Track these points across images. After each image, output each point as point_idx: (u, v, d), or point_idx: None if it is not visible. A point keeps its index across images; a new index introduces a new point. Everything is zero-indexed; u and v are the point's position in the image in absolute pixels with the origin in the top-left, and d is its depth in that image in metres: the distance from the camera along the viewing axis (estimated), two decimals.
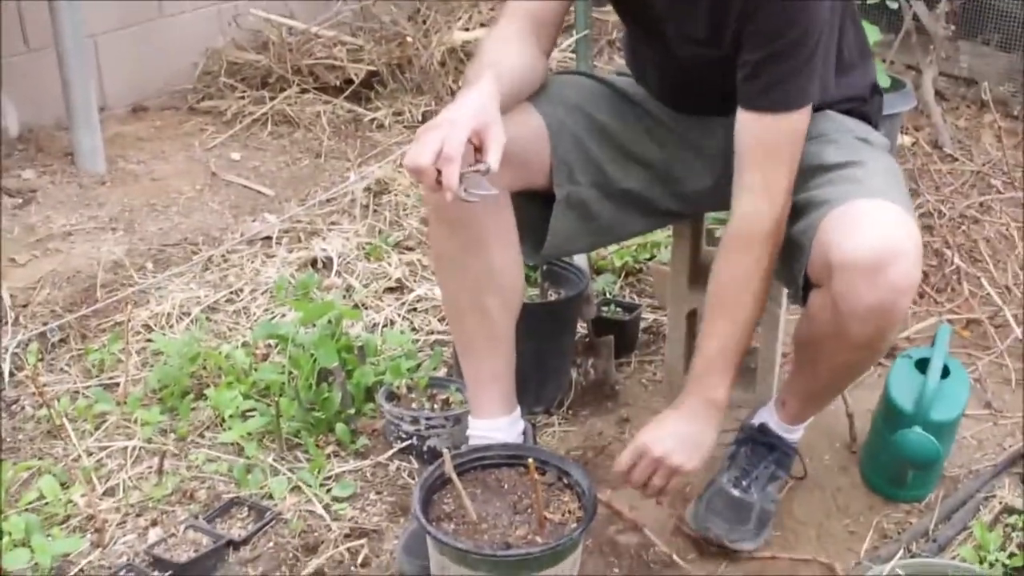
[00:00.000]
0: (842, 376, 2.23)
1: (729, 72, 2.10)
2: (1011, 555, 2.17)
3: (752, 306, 2.11)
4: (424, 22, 4.38)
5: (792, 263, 2.15)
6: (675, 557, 2.28)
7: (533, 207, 2.27)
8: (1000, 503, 2.39)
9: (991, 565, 2.14)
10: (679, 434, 2.11)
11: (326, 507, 2.39)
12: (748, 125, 2.08)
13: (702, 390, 2.13)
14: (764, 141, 2.08)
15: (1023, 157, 3.86)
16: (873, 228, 1.96)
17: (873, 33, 3.24)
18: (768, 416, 2.37)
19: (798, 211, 2.08)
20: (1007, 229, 3.37)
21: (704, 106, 2.32)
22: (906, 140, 3.74)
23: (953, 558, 2.20)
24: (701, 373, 2.14)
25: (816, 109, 2.11)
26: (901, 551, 2.27)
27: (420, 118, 4.02)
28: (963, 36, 4.25)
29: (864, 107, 2.34)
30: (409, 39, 4.24)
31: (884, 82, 3.14)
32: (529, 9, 2.19)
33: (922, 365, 2.39)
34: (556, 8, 2.24)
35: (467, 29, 4.30)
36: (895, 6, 3.46)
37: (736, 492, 2.28)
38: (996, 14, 4.22)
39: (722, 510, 2.26)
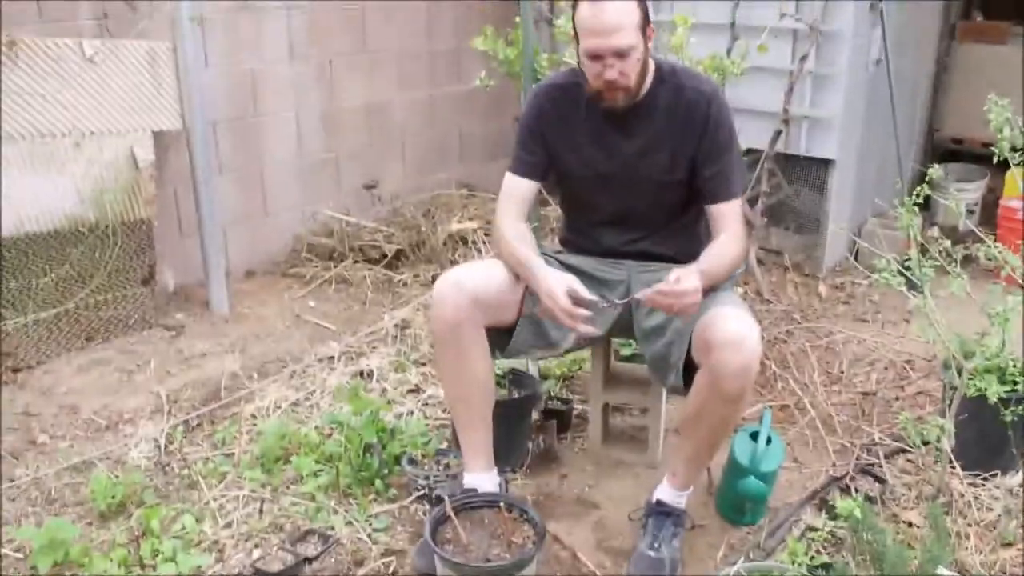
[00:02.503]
0: (717, 432, 2.20)
1: (670, 189, 2.25)
2: (812, 557, 2.17)
3: (729, 263, 2.21)
4: (433, 217, 4.44)
5: (668, 360, 2.18)
6: (595, 569, 2.27)
7: (500, 333, 2.30)
8: (804, 524, 2.38)
9: (800, 565, 2.13)
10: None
11: (368, 535, 2.36)
12: (720, 209, 2.25)
13: (711, 278, 2.12)
14: (732, 214, 2.24)
15: (815, 302, 3.93)
16: (734, 319, 2.04)
17: None
18: (662, 492, 2.33)
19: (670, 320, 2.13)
20: (803, 346, 3.40)
21: (631, 237, 2.38)
22: (739, 291, 3.79)
23: (778, 562, 2.19)
24: (709, 269, 2.13)
25: None
26: (743, 558, 2.26)
27: (431, 279, 4.03)
28: (772, 224, 4.34)
29: None
30: (423, 228, 4.29)
31: None
32: (518, 194, 2.32)
33: (754, 436, 2.40)
34: (533, 189, 2.35)
35: (459, 222, 4.36)
36: None
37: (652, 553, 2.23)
38: (792, 210, 4.31)
39: (645, 568, 2.21)
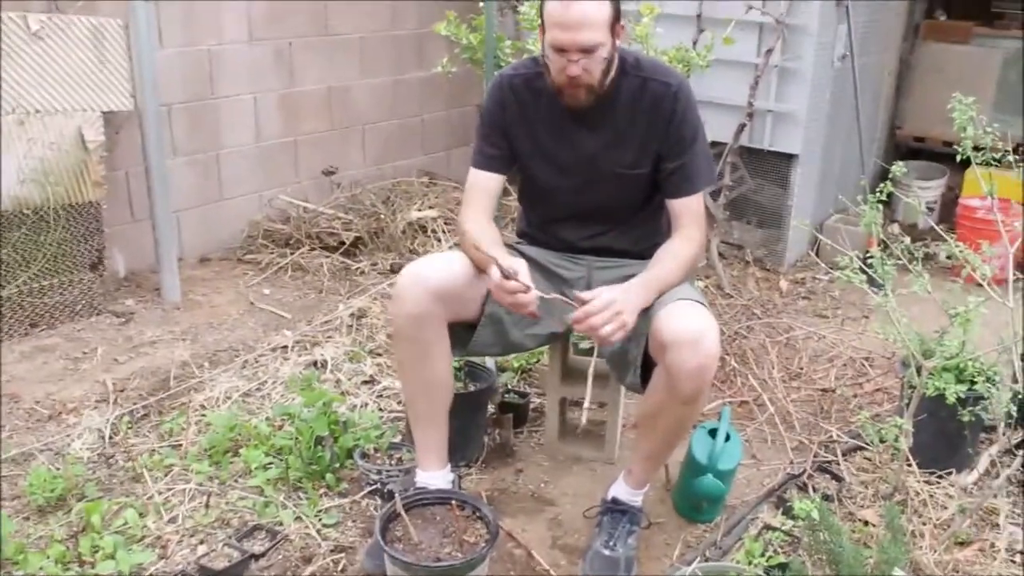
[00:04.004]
0: (674, 431, 2.15)
1: (632, 183, 2.21)
2: (769, 557, 2.14)
3: (680, 268, 2.13)
4: (392, 204, 4.37)
5: (626, 358, 2.14)
6: (548, 567, 2.22)
7: (462, 328, 2.23)
8: (762, 523, 2.36)
9: (756, 565, 2.11)
10: (631, 304, 1.96)
11: (318, 531, 2.29)
12: (680, 205, 2.18)
13: (641, 292, 2.02)
14: (690, 211, 2.18)
15: (776, 297, 3.91)
16: (690, 317, 1.99)
17: None
18: (618, 489, 2.29)
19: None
20: (763, 342, 3.38)
21: (591, 232, 2.32)
22: (700, 284, 3.77)
23: (733, 561, 2.16)
24: (643, 284, 2.04)
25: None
26: (699, 556, 2.23)
27: (389, 267, 3.98)
28: (735, 218, 4.32)
29: None
30: (382, 216, 4.22)
31: None
32: (482, 189, 2.24)
33: (713, 433, 2.37)
34: (498, 182, 2.28)
35: (419, 210, 4.29)
36: None
37: (607, 552, 2.18)
38: (754, 204, 4.30)
39: (600, 567, 2.16)
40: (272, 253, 4.08)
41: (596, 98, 2.11)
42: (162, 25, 3.69)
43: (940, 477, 2.51)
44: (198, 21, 3.84)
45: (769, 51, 3.83)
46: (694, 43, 3.80)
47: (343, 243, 4.12)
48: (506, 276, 1.92)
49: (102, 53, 3.31)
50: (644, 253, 2.23)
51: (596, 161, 2.21)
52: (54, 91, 3.22)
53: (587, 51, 2.00)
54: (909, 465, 2.43)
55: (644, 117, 2.16)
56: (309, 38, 4.27)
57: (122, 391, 2.96)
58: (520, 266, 1.96)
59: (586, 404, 1.99)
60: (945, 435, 2.46)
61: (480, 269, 2.14)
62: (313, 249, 4.11)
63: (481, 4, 3.42)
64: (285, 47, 4.18)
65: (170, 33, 3.74)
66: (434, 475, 2.26)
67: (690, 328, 1.95)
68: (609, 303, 1.91)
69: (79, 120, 3.29)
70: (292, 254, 4.06)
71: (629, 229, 2.31)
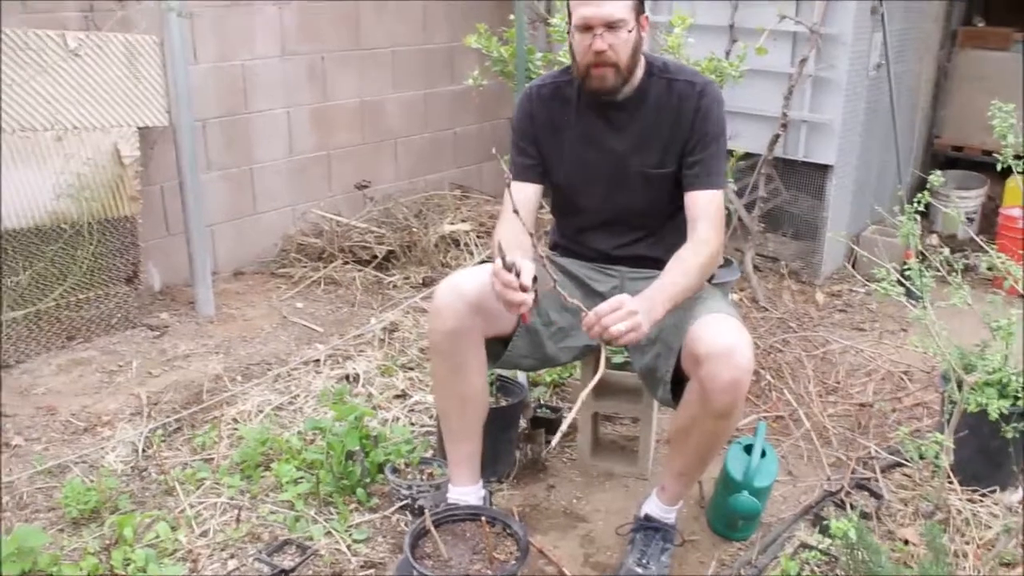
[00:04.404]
0: (707, 447, 2.11)
1: (660, 184, 2.16)
2: None
3: (696, 272, 2.04)
4: (424, 217, 4.37)
5: (656, 373, 2.11)
6: None
7: (496, 342, 2.22)
8: (798, 541, 2.31)
9: None
10: (643, 307, 1.88)
11: (348, 547, 2.28)
12: (698, 199, 2.12)
13: (653, 296, 1.94)
14: (706, 207, 2.11)
15: (812, 310, 3.86)
16: (723, 330, 1.96)
17: None
18: (651, 506, 2.26)
19: (657, 324, 2.00)
20: (799, 356, 3.33)
21: (622, 241, 2.29)
22: (735, 297, 3.73)
23: None
24: (653, 290, 1.97)
25: None
26: (734, 575, 2.19)
27: (421, 281, 3.98)
28: (769, 230, 4.28)
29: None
30: (415, 229, 4.22)
31: (719, 261, 3.13)
32: (521, 199, 2.16)
33: (748, 449, 2.33)
34: (536, 192, 2.27)
35: (452, 223, 4.28)
36: (725, 213, 3.46)
37: (639, 570, 2.15)
38: (789, 216, 4.25)
39: None
40: (305, 267, 4.10)
41: (623, 84, 2.12)
42: (196, 41, 3.73)
43: (983, 495, 2.44)
44: (232, 36, 3.87)
45: (803, 60, 3.79)
46: (727, 53, 3.77)
47: (375, 257, 4.12)
48: (507, 268, 1.89)
49: (137, 69, 3.35)
50: None
51: (623, 162, 2.19)
52: (91, 107, 3.27)
53: (612, 26, 2.04)
54: (951, 482, 2.37)
55: (670, 116, 2.16)
56: (342, 52, 4.29)
57: (156, 404, 2.97)
58: (527, 268, 1.92)
59: (565, 423, 1.97)
60: (988, 452, 2.40)
61: None
62: (346, 263, 4.12)
63: (512, 17, 3.41)
64: (318, 61, 4.21)
65: (204, 48, 3.78)
66: (466, 491, 2.24)
67: (723, 341, 1.92)
68: (619, 304, 1.86)
69: (115, 136, 3.33)
70: (325, 268, 4.07)
71: (661, 238, 2.28)
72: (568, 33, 2.15)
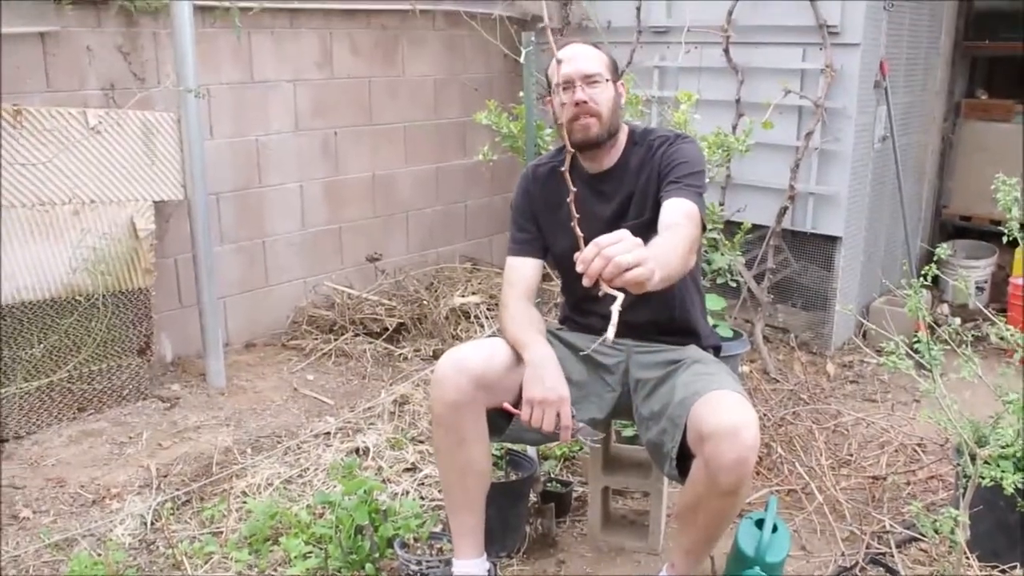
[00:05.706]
0: (715, 524, 2.08)
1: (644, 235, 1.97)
2: None
3: (680, 260, 1.92)
4: (435, 290, 4.40)
5: (662, 449, 2.09)
6: None
7: (500, 415, 2.21)
8: None
9: None
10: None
11: None
12: (672, 204, 2.09)
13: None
14: (680, 209, 2.08)
15: (823, 381, 3.84)
16: (729, 408, 1.94)
17: (720, 302, 3.24)
18: None
19: (663, 399, 2.07)
20: (810, 428, 3.31)
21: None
22: (745, 369, 3.72)
23: None
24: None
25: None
26: None
27: (432, 353, 3.99)
28: (779, 301, 4.28)
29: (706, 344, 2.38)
30: (425, 301, 4.25)
31: (728, 333, 3.13)
32: (521, 275, 2.31)
33: (759, 524, 2.30)
34: (536, 268, 2.35)
35: (462, 295, 4.31)
36: (734, 285, 3.48)
37: None
38: (799, 287, 4.26)
39: None
40: (316, 339, 4.11)
41: (608, 136, 2.21)
42: (212, 117, 3.82)
43: (1003, 572, 2.40)
44: (247, 112, 3.96)
45: (809, 134, 3.84)
46: (733, 128, 3.83)
47: (386, 329, 4.14)
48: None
49: (154, 145, 3.42)
50: (682, 326, 2.28)
51: (608, 228, 2.19)
52: (108, 182, 3.33)
53: (590, 79, 2.17)
54: (968, 559, 2.33)
55: (648, 170, 2.23)
56: (354, 127, 4.37)
57: (165, 476, 2.97)
58: (550, 359, 2.07)
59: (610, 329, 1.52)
60: (1005, 527, 2.36)
61: (519, 356, 2.14)
62: (357, 335, 4.14)
63: (521, 94, 3.48)
64: (331, 136, 4.29)
65: (220, 124, 3.86)
66: (469, 563, 2.22)
67: (728, 420, 1.91)
68: (622, 236, 1.66)
69: (131, 210, 3.39)
70: (336, 340, 4.09)
71: (663, 301, 2.25)
72: (552, 105, 2.07)
